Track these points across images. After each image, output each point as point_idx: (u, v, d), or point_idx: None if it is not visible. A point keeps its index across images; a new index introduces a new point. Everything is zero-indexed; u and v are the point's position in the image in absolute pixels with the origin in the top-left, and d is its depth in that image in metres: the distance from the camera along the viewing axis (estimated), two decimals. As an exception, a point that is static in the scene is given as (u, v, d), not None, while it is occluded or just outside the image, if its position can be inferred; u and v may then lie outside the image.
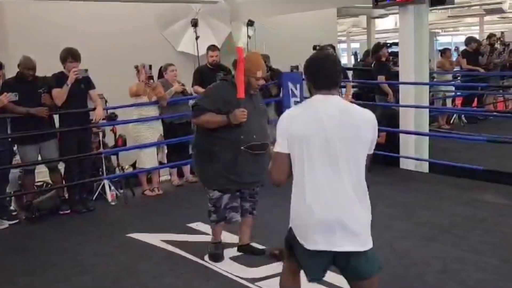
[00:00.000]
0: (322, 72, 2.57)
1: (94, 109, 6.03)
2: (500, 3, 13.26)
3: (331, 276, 3.74)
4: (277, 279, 3.81)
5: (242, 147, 3.96)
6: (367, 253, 2.52)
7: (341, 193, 2.46)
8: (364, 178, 2.54)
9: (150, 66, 6.46)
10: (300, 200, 2.54)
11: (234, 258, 4.33)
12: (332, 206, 2.46)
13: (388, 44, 8.85)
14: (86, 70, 5.87)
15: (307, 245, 2.53)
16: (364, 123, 2.50)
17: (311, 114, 2.52)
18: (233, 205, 4.18)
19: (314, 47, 7.94)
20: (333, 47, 8.25)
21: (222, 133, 3.99)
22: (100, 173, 6.43)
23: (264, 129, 4.12)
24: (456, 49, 13.47)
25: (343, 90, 8.61)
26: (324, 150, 2.46)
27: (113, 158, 6.80)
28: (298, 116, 2.56)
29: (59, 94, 5.72)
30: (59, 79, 5.77)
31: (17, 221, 5.71)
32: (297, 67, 8.19)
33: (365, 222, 2.53)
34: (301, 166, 2.51)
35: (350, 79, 9.30)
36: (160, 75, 6.95)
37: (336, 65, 2.61)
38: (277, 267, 3.95)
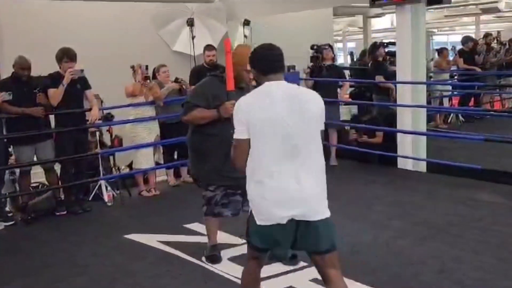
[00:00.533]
0: (267, 58, 2.84)
1: (90, 109, 6.00)
2: (496, 2, 13.29)
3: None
4: (275, 280, 3.86)
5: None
6: (315, 226, 2.65)
7: (297, 173, 2.65)
8: (322, 154, 2.77)
9: (147, 66, 6.46)
10: (258, 182, 2.69)
11: (231, 259, 4.30)
12: (287, 185, 2.64)
13: (385, 44, 8.84)
14: (82, 70, 5.85)
15: (259, 221, 2.69)
16: (312, 103, 2.75)
17: (265, 101, 2.72)
18: (223, 201, 4.17)
19: (312, 47, 7.94)
20: (331, 47, 8.24)
21: (213, 129, 3.99)
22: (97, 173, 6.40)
23: None
24: (453, 48, 13.47)
25: (339, 89, 8.61)
26: (280, 133, 2.66)
27: (109, 158, 6.77)
28: (253, 103, 2.74)
29: (55, 94, 5.70)
30: (55, 79, 5.75)
31: (12, 222, 5.68)
32: (293, 67, 8.17)
33: (318, 195, 2.70)
34: (258, 149, 2.69)
35: (347, 78, 9.27)
36: (153, 76, 6.92)
37: (278, 51, 2.87)
38: (275, 267, 3.94)
